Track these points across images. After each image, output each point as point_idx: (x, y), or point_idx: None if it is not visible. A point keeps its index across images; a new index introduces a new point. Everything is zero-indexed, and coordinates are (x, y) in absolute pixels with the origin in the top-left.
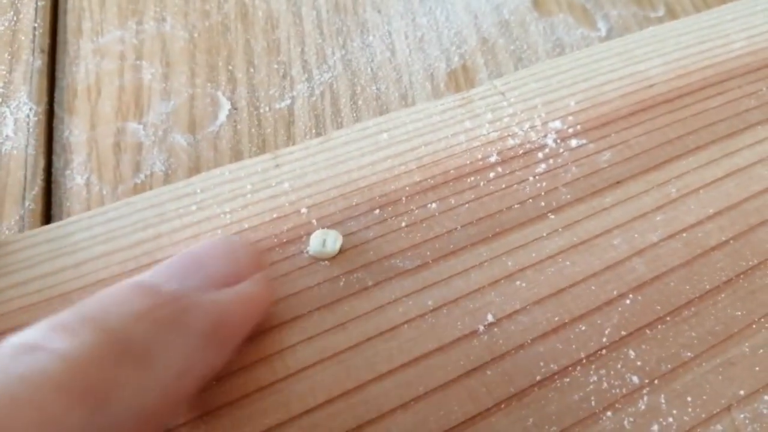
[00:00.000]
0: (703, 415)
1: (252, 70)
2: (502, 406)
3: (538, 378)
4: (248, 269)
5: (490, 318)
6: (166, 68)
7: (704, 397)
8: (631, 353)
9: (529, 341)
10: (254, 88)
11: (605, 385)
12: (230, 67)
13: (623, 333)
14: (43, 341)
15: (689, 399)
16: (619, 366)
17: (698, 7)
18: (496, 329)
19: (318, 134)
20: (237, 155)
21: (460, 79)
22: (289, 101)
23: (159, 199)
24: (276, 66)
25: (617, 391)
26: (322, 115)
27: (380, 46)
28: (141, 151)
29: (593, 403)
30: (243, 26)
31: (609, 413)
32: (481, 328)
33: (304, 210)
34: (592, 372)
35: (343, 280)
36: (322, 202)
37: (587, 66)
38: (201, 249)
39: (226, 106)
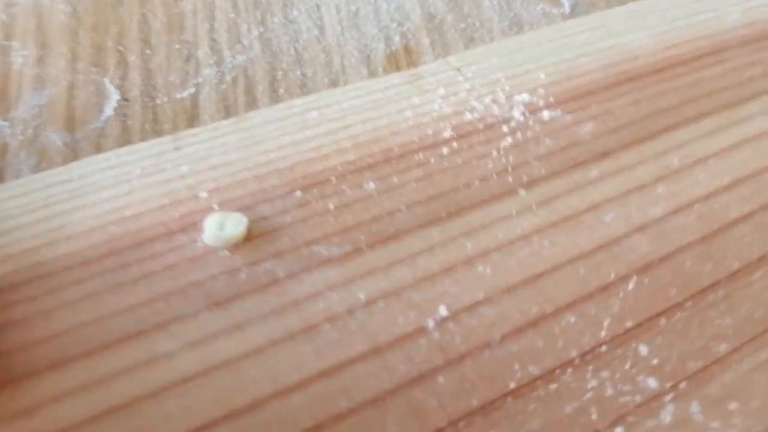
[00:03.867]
0: (759, 428)
1: (148, 51)
2: (461, 424)
3: (512, 385)
4: None
5: (442, 311)
6: (41, 50)
7: (754, 403)
8: (643, 349)
9: (497, 338)
10: (150, 73)
11: (610, 391)
12: (121, 48)
13: (629, 324)
14: None
15: (733, 406)
16: (627, 366)
17: None
18: (451, 324)
19: None
20: None
21: (402, 62)
22: (193, 90)
23: (25, 188)
24: (178, 46)
25: (628, 398)
26: (234, 105)
27: (306, 23)
28: (5, 154)
29: (594, 416)
30: None
31: (619, 429)
32: (431, 323)
33: (203, 194)
34: (589, 375)
35: (245, 272)
36: (227, 185)
37: (556, 41)
38: None
39: (114, 96)
